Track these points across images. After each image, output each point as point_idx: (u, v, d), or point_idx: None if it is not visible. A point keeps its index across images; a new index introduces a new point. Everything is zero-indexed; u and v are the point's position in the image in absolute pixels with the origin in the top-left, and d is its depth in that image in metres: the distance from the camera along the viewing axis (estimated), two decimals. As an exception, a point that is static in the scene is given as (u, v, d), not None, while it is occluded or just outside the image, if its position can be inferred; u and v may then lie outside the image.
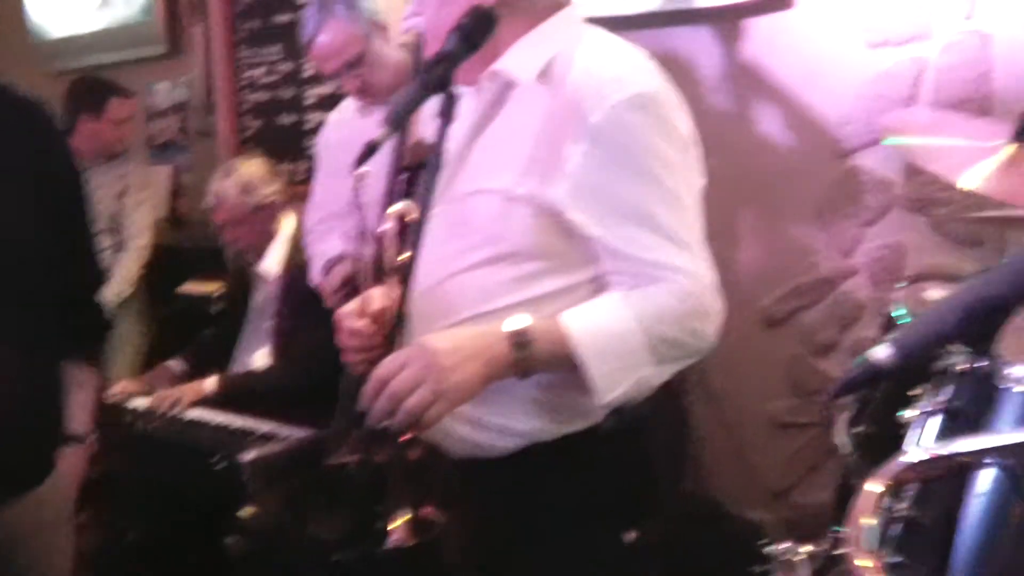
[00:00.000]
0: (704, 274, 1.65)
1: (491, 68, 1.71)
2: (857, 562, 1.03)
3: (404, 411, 1.54)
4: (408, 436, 1.62)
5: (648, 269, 1.63)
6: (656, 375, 1.65)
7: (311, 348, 3.28)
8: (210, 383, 3.42)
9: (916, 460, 1.06)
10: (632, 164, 1.62)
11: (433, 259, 1.71)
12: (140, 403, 3.50)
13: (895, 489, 1.06)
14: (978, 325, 0.97)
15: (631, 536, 1.82)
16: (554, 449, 1.73)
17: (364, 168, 1.59)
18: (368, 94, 2.99)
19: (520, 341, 1.59)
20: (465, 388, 1.58)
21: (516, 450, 1.73)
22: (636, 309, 1.61)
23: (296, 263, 3.52)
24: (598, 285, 1.69)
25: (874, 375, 1.09)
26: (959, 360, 1.52)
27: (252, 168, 3.66)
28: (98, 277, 2.19)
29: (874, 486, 1.08)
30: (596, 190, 1.62)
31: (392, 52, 2.99)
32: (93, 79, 4.80)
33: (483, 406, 1.70)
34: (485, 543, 1.81)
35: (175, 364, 3.74)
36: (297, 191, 4.29)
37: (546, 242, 1.67)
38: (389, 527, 1.58)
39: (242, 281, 3.75)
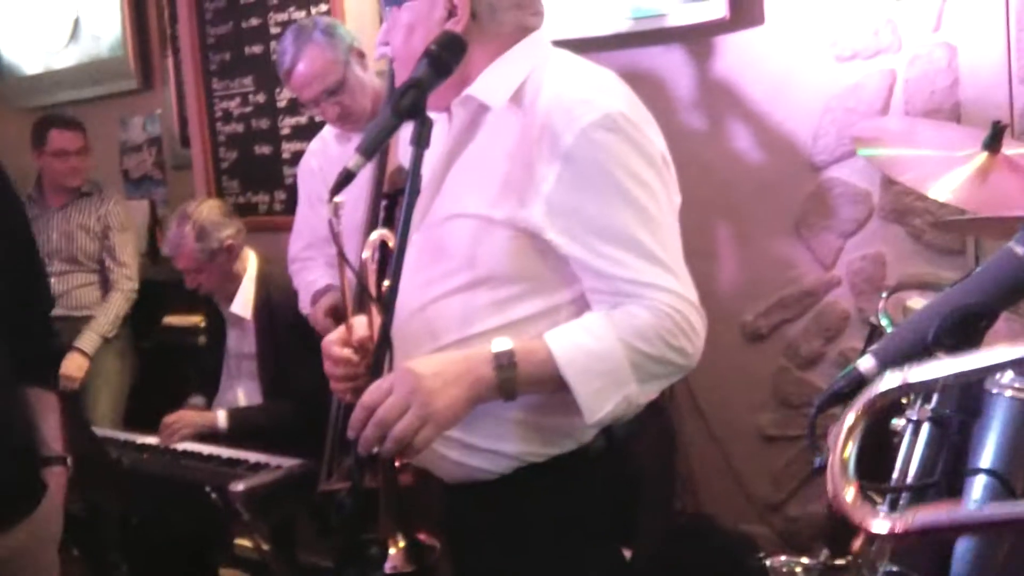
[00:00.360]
0: (683, 291, 1.66)
1: (463, 93, 1.73)
2: (842, 492, 1.05)
3: (392, 438, 1.54)
4: (399, 462, 1.63)
5: (627, 288, 1.63)
6: (642, 393, 1.65)
7: (308, 384, 3.28)
8: (221, 418, 3.40)
9: (890, 387, 1.08)
10: (606, 184, 1.62)
11: (413, 285, 1.72)
12: (126, 436, 3.49)
13: (869, 417, 1.08)
14: (958, 332, 0.98)
15: (625, 554, 1.82)
16: (545, 470, 1.73)
17: (340, 198, 1.59)
18: (347, 120, 3.01)
19: (503, 363, 1.60)
20: (451, 411, 1.59)
21: (507, 473, 1.74)
22: (618, 328, 1.62)
23: (267, 302, 3.52)
24: (578, 307, 1.70)
25: (859, 386, 1.10)
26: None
27: (206, 212, 3.54)
28: (48, 302, 2.20)
29: (850, 415, 1.09)
30: (571, 211, 1.63)
31: (370, 78, 3.02)
32: (43, 116, 4.81)
33: (473, 431, 1.70)
34: (479, 566, 1.82)
35: (198, 400, 3.71)
36: (276, 221, 4.32)
37: (524, 265, 1.68)
38: (387, 553, 1.58)
39: (217, 319, 3.71)
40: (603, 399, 1.62)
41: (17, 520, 1.95)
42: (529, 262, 1.68)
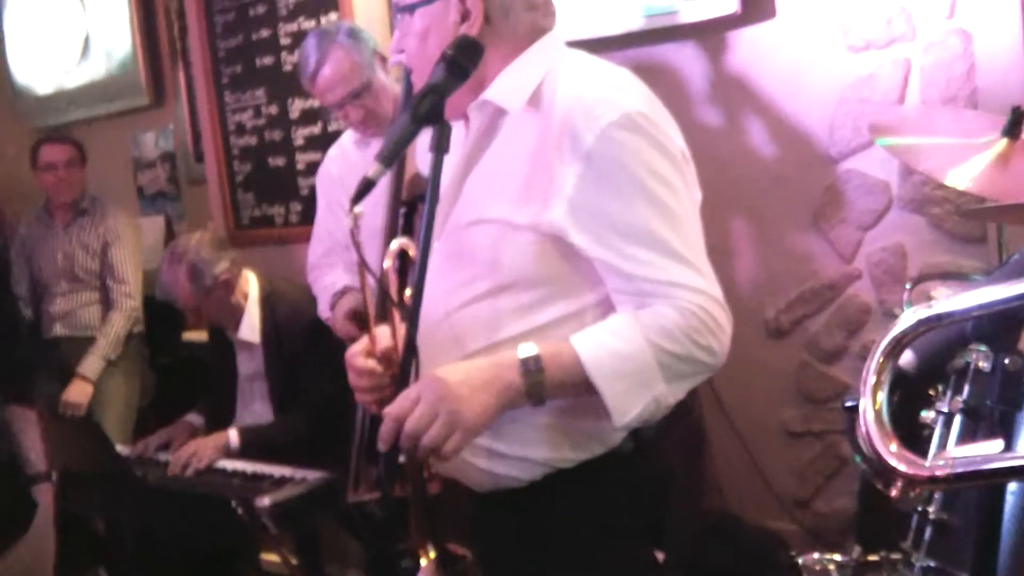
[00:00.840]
0: (709, 288, 1.65)
1: (480, 98, 1.72)
2: (878, 444, 1.04)
3: (422, 447, 1.54)
4: (427, 472, 1.62)
5: (652, 287, 1.62)
6: (670, 393, 1.64)
7: (318, 400, 3.27)
8: (233, 437, 3.38)
9: (919, 317, 1.07)
10: (628, 183, 1.62)
11: (437, 293, 1.71)
12: (154, 455, 3.49)
13: (894, 357, 1.07)
14: (998, 324, 0.97)
15: (657, 555, 1.81)
16: (574, 475, 1.72)
17: (359, 208, 1.58)
18: (371, 124, 3.00)
19: (531, 368, 1.59)
20: (480, 418, 1.58)
21: (537, 479, 1.72)
22: (645, 328, 1.60)
23: (274, 323, 3.50)
24: (604, 308, 1.69)
25: (896, 379, 1.09)
26: (979, 359, 1.52)
27: (196, 249, 3.46)
28: (15, 321, 2.20)
29: (875, 359, 1.09)
30: (594, 212, 1.62)
31: (391, 82, 3.01)
32: (40, 136, 4.79)
33: (501, 438, 1.69)
34: (511, 573, 1.81)
35: (194, 418, 3.70)
36: (292, 232, 4.32)
37: (548, 268, 1.67)
38: (418, 564, 1.57)
39: (224, 343, 3.68)
40: (631, 401, 1.61)
41: (12, 542, 1.94)
42: (553, 265, 1.67)
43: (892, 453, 1.04)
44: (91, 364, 4.32)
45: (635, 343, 1.60)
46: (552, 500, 1.72)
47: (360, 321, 2.94)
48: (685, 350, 1.62)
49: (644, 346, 1.60)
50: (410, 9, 1.72)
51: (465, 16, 1.70)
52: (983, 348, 1.09)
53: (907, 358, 1.03)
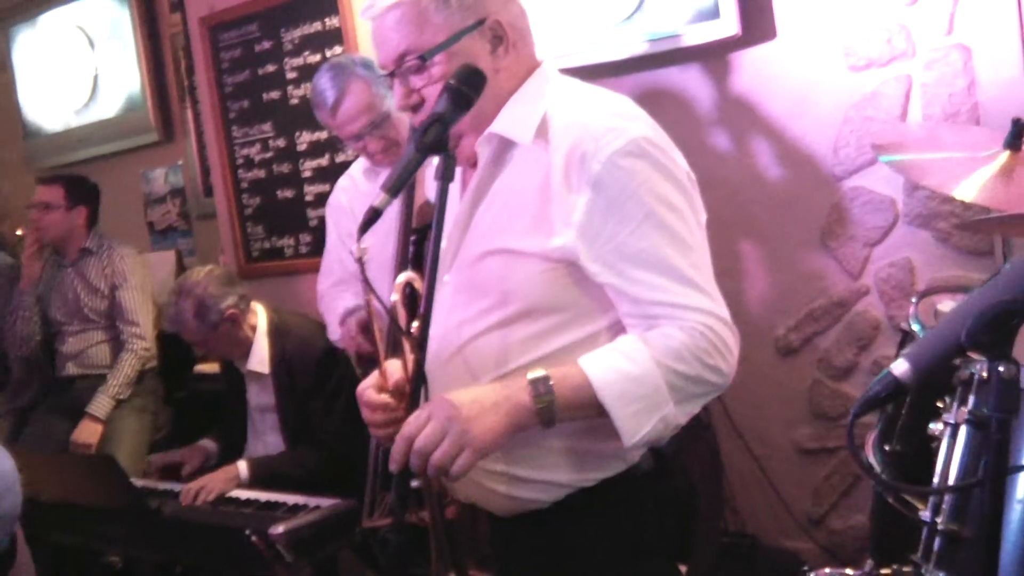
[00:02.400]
0: (716, 310, 1.66)
1: (487, 131, 1.74)
2: None
3: (432, 465, 1.54)
4: (444, 495, 1.63)
5: (661, 310, 1.64)
6: (679, 414, 1.65)
7: (329, 435, 3.28)
8: (243, 469, 3.39)
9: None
10: (636, 209, 1.64)
11: (449, 327, 1.73)
12: (166, 486, 3.50)
13: None
14: (992, 331, 0.98)
15: (681, 569, 1.82)
16: (596, 493, 1.73)
17: (366, 242, 1.59)
18: (391, 153, 3.01)
19: (541, 390, 1.60)
20: (489, 437, 1.58)
21: (560, 499, 1.73)
22: (654, 350, 1.62)
23: (283, 354, 3.51)
24: (615, 332, 1.70)
25: (894, 390, 1.10)
26: (982, 369, 1.53)
27: (204, 285, 3.46)
28: None
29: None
30: (603, 238, 1.64)
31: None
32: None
33: (521, 464, 1.71)
34: None
35: (208, 444, 3.72)
36: (301, 264, 4.35)
37: (561, 295, 1.69)
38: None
39: (235, 374, 3.69)
40: (641, 421, 1.62)
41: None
42: (566, 292, 1.69)
43: None
44: (101, 404, 4.32)
45: (644, 365, 1.61)
46: (576, 519, 1.72)
47: (370, 334, 2.95)
48: (693, 371, 1.63)
49: (653, 368, 1.61)
50: (426, 57, 1.69)
51: (498, 40, 1.72)
52: (981, 357, 1.10)
53: (902, 368, 1.04)
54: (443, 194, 1.60)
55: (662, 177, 1.66)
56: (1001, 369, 0.94)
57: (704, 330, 1.63)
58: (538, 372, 1.61)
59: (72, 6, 5.50)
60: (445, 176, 1.60)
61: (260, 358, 3.53)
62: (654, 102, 3.29)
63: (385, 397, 1.75)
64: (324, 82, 2.99)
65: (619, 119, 1.69)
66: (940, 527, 1.51)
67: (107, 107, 5.45)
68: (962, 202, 2.32)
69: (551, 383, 1.60)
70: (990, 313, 0.95)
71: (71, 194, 4.57)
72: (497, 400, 1.60)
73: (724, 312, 1.68)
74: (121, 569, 3.73)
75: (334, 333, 3.20)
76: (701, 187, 1.77)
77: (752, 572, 3.23)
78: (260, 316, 3.57)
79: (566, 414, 1.63)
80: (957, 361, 1.67)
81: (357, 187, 3.20)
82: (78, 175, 4.75)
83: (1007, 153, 2.31)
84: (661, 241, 1.64)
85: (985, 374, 1.01)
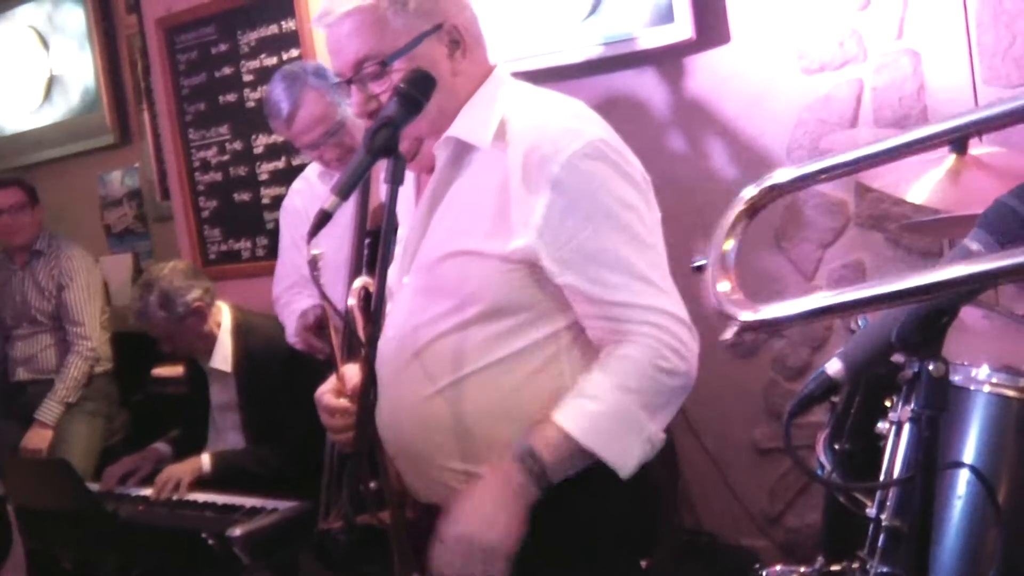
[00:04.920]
0: (675, 309, 1.69)
1: (445, 135, 1.75)
2: (717, 286, 1.09)
3: None
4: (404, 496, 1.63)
5: (619, 311, 1.66)
6: (657, 428, 1.69)
7: (293, 435, 3.28)
8: (205, 461, 3.38)
9: (780, 180, 1.13)
10: (595, 210, 1.66)
11: (408, 328, 1.74)
12: (121, 490, 3.48)
13: (752, 212, 1.14)
14: (920, 330, 1.00)
15: (642, 564, 1.84)
16: (563, 489, 1.73)
17: (317, 249, 1.60)
18: (347, 161, 3.01)
19: (528, 462, 1.63)
20: (510, 536, 1.62)
21: None
22: (613, 379, 1.65)
23: (246, 353, 3.51)
24: (575, 330, 1.73)
25: (828, 388, 1.13)
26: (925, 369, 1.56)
27: (169, 278, 3.46)
28: None
29: (736, 207, 1.14)
30: (562, 239, 1.66)
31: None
32: None
33: (480, 460, 1.72)
34: None
35: (161, 447, 3.70)
36: (258, 267, 4.33)
37: (522, 295, 1.70)
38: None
39: (199, 372, 3.68)
40: (630, 452, 1.66)
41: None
42: (525, 292, 1.70)
43: (722, 293, 1.10)
44: (49, 409, 4.27)
45: (612, 398, 1.65)
46: (540, 514, 1.73)
47: (321, 331, 2.95)
48: (659, 383, 1.67)
49: (620, 397, 1.65)
50: (388, 62, 1.70)
51: (455, 44, 1.73)
52: (911, 357, 1.13)
53: (836, 367, 1.06)
54: (392, 197, 1.61)
55: (620, 178, 1.69)
56: (930, 368, 0.97)
57: (659, 333, 1.66)
58: (518, 448, 1.63)
59: (25, 7, 5.43)
60: (394, 179, 1.61)
61: (223, 356, 3.53)
62: (610, 105, 3.32)
63: (344, 402, 1.75)
64: (278, 93, 2.98)
65: (575, 120, 1.72)
66: (884, 523, 1.55)
67: (62, 109, 5.39)
68: (912, 204, 2.36)
69: (535, 452, 1.63)
70: (919, 313, 0.98)
71: (29, 194, 4.57)
72: (496, 497, 1.63)
73: (682, 311, 1.70)
74: (76, 574, 3.70)
75: (292, 336, 3.20)
76: (657, 189, 1.79)
77: (710, 570, 3.26)
78: (225, 314, 3.57)
79: (558, 473, 1.66)
80: (901, 360, 1.71)
81: (312, 189, 3.19)
82: (15, 176, 4.72)
83: (954, 157, 2.35)
84: (620, 241, 1.67)
85: (913, 373, 1.04)
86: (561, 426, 1.64)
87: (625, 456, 1.65)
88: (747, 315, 1.07)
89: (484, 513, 1.62)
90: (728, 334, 1.13)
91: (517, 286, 1.70)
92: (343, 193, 1.57)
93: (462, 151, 1.76)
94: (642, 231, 1.69)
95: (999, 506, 1.47)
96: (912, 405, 1.48)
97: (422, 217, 1.78)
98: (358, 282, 1.77)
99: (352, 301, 1.73)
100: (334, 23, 1.73)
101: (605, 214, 1.66)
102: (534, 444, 1.63)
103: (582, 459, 1.65)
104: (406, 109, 1.62)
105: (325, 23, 1.74)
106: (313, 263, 1.60)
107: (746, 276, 3.33)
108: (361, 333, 1.73)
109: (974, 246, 0.98)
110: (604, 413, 1.64)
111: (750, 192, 1.16)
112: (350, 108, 2.98)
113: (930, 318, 0.97)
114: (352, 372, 1.78)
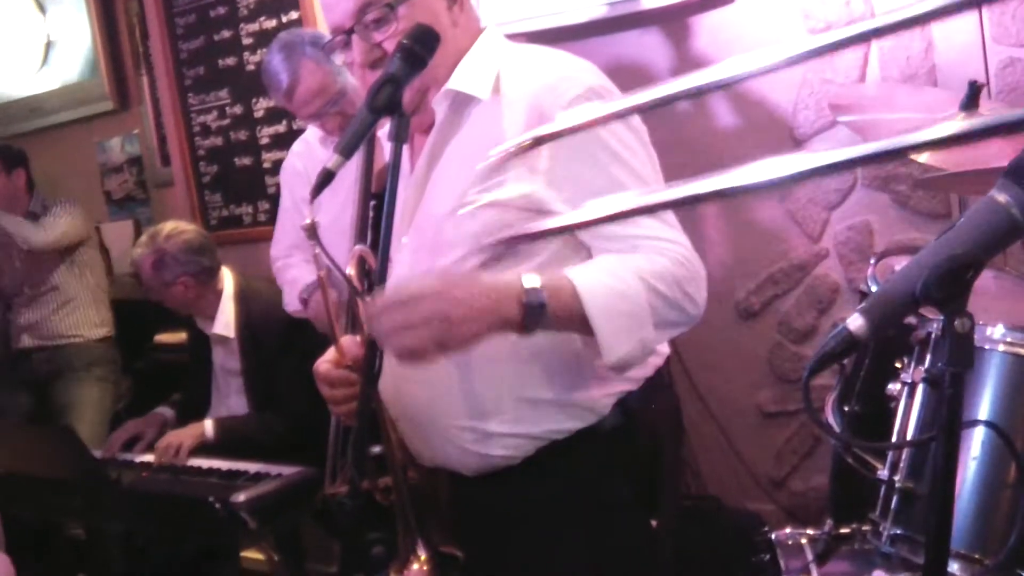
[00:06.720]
0: (686, 243, 1.68)
1: (445, 87, 1.73)
2: None
3: (400, 345, 1.48)
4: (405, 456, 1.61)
5: (640, 242, 1.64)
6: (655, 339, 1.65)
7: (295, 401, 3.27)
8: (208, 427, 3.38)
9: None
10: (600, 151, 1.66)
11: None
12: (126, 456, 3.48)
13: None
14: (946, 285, 0.97)
15: (651, 523, 1.83)
16: (564, 449, 1.73)
17: (321, 209, 1.57)
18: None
19: (532, 301, 1.53)
20: (464, 343, 1.51)
21: (530, 454, 1.73)
22: (638, 269, 1.61)
23: (249, 319, 3.50)
24: None
25: (849, 345, 1.09)
26: (935, 327, 1.54)
27: (173, 244, 3.45)
28: None
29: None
30: (571, 181, 1.65)
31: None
32: None
33: (492, 419, 1.71)
34: (509, 554, 1.80)
35: (165, 411, 3.70)
36: (260, 232, 4.31)
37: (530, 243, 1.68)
38: (392, 552, 1.58)
39: (200, 337, 3.68)
40: (622, 339, 1.60)
41: None
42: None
43: None
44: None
45: (629, 281, 1.60)
46: (544, 476, 1.72)
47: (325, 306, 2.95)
48: (673, 295, 1.63)
49: (638, 286, 1.60)
50: (394, 5, 1.67)
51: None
52: (935, 312, 1.10)
53: (857, 323, 1.04)
54: (396, 155, 1.59)
55: (621, 122, 1.69)
56: (956, 323, 0.94)
57: (683, 260, 1.65)
58: (531, 283, 1.54)
59: (22, -29, 5.38)
60: (398, 137, 1.58)
61: (226, 322, 3.53)
62: (615, 66, 3.28)
63: (341, 373, 1.72)
64: (276, 64, 2.95)
65: (573, 68, 1.74)
66: (897, 485, 1.53)
67: (60, 75, 5.34)
68: (919, 164, 2.33)
69: (542, 295, 1.54)
70: (944, 267, 0.95)
71: (5, 159, 4.51)
72: (485, 307, 1.51)
73: (691, 248, 1.69)
74: (84, 541, 3.71)
75: (291, 304, 3.18)
76: (662, 150, 1.78)
77: (715, 533, 3.25)
78: (227, 280, 3.56)
79: (550, 326, 1.58)
80: (914, 321, 1.69)
81: (312, 151, 3.17)
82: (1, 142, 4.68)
83: (963, 115, 2.31)
84: (627, 180, 1.66)
85: (938, 330, 1.02)
86: (574, 284, 1.58)
87: (617, 341, 1.58)
88: None
89: (473, 305, 1.49)
90: None
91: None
92: (346, 151, 1.54)
93: (460, 105, 1.75)
94: (646, 172, 1.70)
95: (1022, 465, 1.45)
96: (925, 365, 1.47)
97: (421, 174, 1.77)
98: (355, 250, 1.74)
99: (351, 270, 1.70)
100: None
101: (610, 154, 1.66)
102: (545, 288, 1.55)
103: (575, 325, 1.59)
104: (409, 65, 1.59)
105: None
106: (311, 230, 1.56)
107: (750, 239, 3.33)
108: (359, 304, 1.70)
109: (1002, 197, 0.95)
110: (617, 291, 1.59)
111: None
112: (349, 75, 2.98)
113: (955, 272, 0.95)
114: (351, 343, 1.75)
